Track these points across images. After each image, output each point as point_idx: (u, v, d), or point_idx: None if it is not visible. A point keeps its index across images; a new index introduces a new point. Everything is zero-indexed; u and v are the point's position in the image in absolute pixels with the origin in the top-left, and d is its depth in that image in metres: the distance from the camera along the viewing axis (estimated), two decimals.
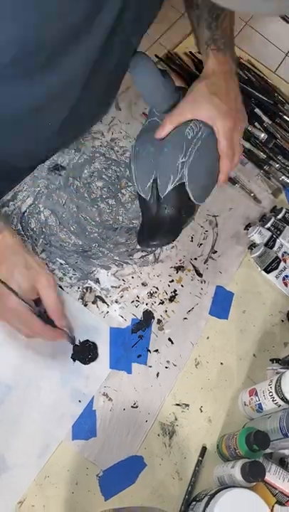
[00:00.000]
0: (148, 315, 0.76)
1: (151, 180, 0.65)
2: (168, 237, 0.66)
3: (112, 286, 0.75)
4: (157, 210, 0.66)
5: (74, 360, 0.68)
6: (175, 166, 0.63)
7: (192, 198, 0.65)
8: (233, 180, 0.95)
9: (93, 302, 0.73)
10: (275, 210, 0.95)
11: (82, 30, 0.55)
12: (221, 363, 0.77)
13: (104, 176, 0.83)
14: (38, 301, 0.62)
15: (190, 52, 1.07)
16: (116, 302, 0.75)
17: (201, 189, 0.67)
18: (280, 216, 0.92)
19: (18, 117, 0.62)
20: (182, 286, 0.80)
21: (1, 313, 0.62)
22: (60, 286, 0.72)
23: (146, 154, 0.66)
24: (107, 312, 0.73)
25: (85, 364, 0.68)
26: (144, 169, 0.66)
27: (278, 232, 0.90)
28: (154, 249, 0.79)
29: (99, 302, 0.74)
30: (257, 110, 1.04)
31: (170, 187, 0.63)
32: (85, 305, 0.72)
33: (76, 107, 0.66)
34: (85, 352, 0.69)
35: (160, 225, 0.66)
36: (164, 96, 0.69)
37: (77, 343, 0.69)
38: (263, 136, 1.00)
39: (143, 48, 0.72)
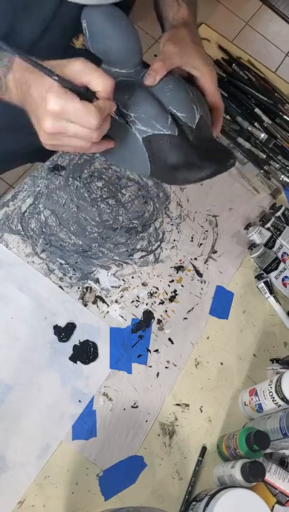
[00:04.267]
0: (148, 315, 0.76)
1: (171, 116, 0.58)
2: (231, 154, 0.59)
3: (112, 286, 0.75)
4: (198, 140, 0.58)
5: (74, 360, 0.68)
6: (190, 97, 0.58)
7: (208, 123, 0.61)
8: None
9: (93, 302, 0.73)
10: (274, 207, 0.95)
11: (32, 8, 0.54)
12: (221, 363, 0.77)
13: (104, 176, 0.83)
14: None
15: None
16: (116, 302, 0.75)
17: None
18: (279, 213, 0.92)
19: None
20: (182, 286, 0.80)
21: (49, 130, 0.48)
22: (60, 287, 0.72)
23: (140, 97, 0.58)
24: (107, 312, 0.73)
25: (85, 364, 0.68)
26: (150, 107, 0.58)
27: (278, 233, 0.90)
28: (210, 177, 0.61)
29: (99, 302, 0.74)
30: (257, 110, 1.04)
31: (197, 116, 0.58)
32: (85, 305, 0.72)
33: None
34: (85, 352, 0.69)
35: (215, 147, 0.59)
36: (131, 38, 0.58)
37: (77, 343, 0.69)
38: (263, 136, 1.00)
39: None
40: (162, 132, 0.57)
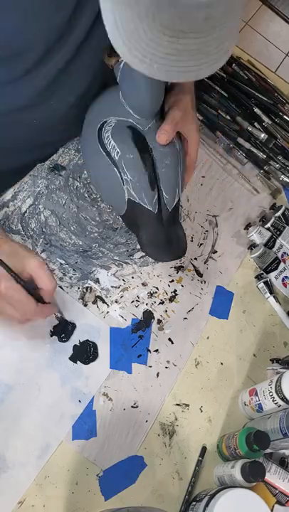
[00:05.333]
0: (148, 315, 0.76)
1: (158, 194, 0.66)
2: (185, 247, 0.70)
3: (112, 286, 0.75)
4: (168, 224, 0.67)
5: (74, 360, 0.68)
6: (177, 179, 0.67)
7: (181, 204, 0.69)
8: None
9: (93, 302, 0.73)
10: (274, 207, 0.95)
11: (65, 31, 0.57)
12: (221, 363, 0.77)
13: None
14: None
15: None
16: (116, 302, 0.75)
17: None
18: (279, 213, 0.92)
19: (3, 117, 0.65)
20: (182, 286, 0.80)
21: None
22: (60, 287, 0.72)
23: (141, 165, 0.65)
24: (107, 312, 0.73)
25: (85, 364, 0.68)
26: (145, 181, 0.65)
27: (278, 233, 0.90)
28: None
29: (99, 302, 0.74)
30: (257, 110, 1.04)
31: (176, 200, 0.67)
32: (85, 305, 0.72)
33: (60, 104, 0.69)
34: (85, 352, 0.69)
35: (178, 238, 0.69)
36: (157, 98, 0.64)
37: (77, 343, 0.69)
38: (263, 136, 1.00)
39: None
40: (145, 206, 0.66)
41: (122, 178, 0.66)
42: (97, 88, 0.74)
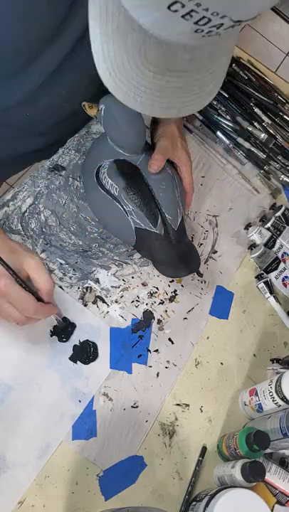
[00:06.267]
0: (148, 315, 0.76)
1: (160, 216, 0.71)
2: (199, 260, 0.74)
3: (112, 286, 0.75)
4: (177, 242, 0.72)
5: (74, 360, 0.68)
6: (176, 200, 0.72)
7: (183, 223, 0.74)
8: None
9: (93, 302, 0.73)
10: (274, 207, 0.95)
11: (56, 32, 0.58)
12: (221, 363, 0.77)
13: None
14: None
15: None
16: (116, 302, 0.75)
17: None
18: (279, 213, 0.92)
19: None
20: (182, 286, 0.80)
21: None
22: (60, 287, 0.72)
23: (140, 193, 0.71)
24: (107, 312, 0.73)
25: (85, 364, 0.68)
26: (146, 207, 0.71)
27: (278, 233, 0.90)
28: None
29: (99, 302, 0.74)
30: (257, 110, 1.04)
31: (179, 219, 0.72)
32: (85, 305, 0.72)
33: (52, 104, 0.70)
34: (85, 352, 0.69)
35: (191, 252, 0.73)
36: (139, 133, 0.69)
37: (77, 343, 0.69)
38: (263, 136, 1.00)
39: None
40: (152, 230, 0.70)
41: (125, 211, 0.71)
42: (89, 80, 0.74)
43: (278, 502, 0.66)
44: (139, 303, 0.76)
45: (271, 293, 0.85)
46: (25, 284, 0.57)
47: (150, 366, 0.72)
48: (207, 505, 0.58)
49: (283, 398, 0.65)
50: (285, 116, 1.06)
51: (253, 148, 0.99)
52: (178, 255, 0.71)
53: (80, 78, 0.70)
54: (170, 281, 0.80)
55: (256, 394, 0.70)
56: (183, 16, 0.28)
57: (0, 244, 0.59)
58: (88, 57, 0.67)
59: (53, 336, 0.68)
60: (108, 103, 0.67)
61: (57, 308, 0.65)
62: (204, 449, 0.70)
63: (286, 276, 0.87)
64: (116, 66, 0.37)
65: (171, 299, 0.78)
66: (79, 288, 0.73)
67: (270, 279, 0.86)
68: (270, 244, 0.88)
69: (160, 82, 0.37)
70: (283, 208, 0.93)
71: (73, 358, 0.68)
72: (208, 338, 0.78)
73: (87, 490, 0.63)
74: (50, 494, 0.61)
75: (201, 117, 0.99)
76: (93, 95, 0.75)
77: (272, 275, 0.87)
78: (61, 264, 0.74)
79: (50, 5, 0.54)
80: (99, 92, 0.81)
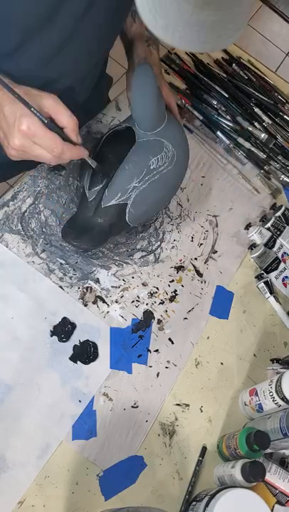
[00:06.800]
0: (148, 315, 0.76)
1: (101, 186, 0.69)
2: (91, 244, 0.70)
3: (112, 286, 0.75)
4: (93, 215, 0.69)
5: (74, 360, 0.68)
6: (127, 186, 0.67)
7: (126, 219, 0.69)
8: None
9: (93, 302, 0.73)
10: (274, 207, 0.95)
11: (54, 12, 0.57)
12: (221, 363, 0.77)
13: None
14: None
15: (190, 52, 1.07)
16: (116, 302, 0.75)
17: (139, 215, 0.70)
18: (279, 213, 0.92)
19: None
20: (182, 286, 0.80)
21: (16, 146, 0.56)
22: (61, 287, 0.72)
23: (108, 162, 0.69)
24: (108, 312, 0.73)
25: (85, 364, 0.68)
26: (98, 174, 0.69)
27: (278, 233, 0.90)
28: (71, 246, 0.76)
29: (99, 302, 0.74)
30: (257, 110, 1.04)
31: (113, 202, 0.67)
32: (85, 305, 0.72)
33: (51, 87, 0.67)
34: (86, 352, 0.69)
35: (89, 230, 0.69)
36: (157, 113, 0.68)
37: (77, 343, 0.69)
38: (263, 136, 1.00)
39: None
40: (85, 190, 0.69)
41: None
42: (94, 71, 0.73)
43: (278, 502, 0.66)
44: (139, 303, 0.76)
45: (271, 293, 0.85)
46: (49, 123, 0.55)
47: (150, 366, 0.72)
48: (207, 505, 0.58)
49: (283, 398, 0.65)
50: (285, 116, 1.06)
51: (253, 148, 0.99)
52: (81, 224, 0.69)
53: (82, 65, 0.69)
54: (170, 282, 0.80)
55: (256, 394, 0.70)
56: None
57: (23, 88, 0.56)
58: (91, 39, 0.66)
59: (53, 336, 0.68)
60: (144, 70, 0.64)
61: (87, 152, 0.62)
62: (204, 449, 0.70)
63: (286, 276, 0.87)
64: (156, 2, 0.37)
65: (171, 299, 0.78)
66: (79, 288, 0.73)
67: (270, 279, 0.86)
68: (270, 244, 0.88)
69: (198, 17, 0.37)
70: (283, 208, 0.93)
71: (73, 358, 0.68)
72: (208, 338, 0.78)
73: (87, 490, 0.63)
74: (50, 494, 0.61)
75: (201, 117, 0.99)
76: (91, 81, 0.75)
77: (272, 275, 0.87)
78: (61, 264, 0.74)
79: None
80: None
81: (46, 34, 0.59)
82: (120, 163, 0.67)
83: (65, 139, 0.57)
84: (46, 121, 0.54)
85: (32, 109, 0.53)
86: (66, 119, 0.56)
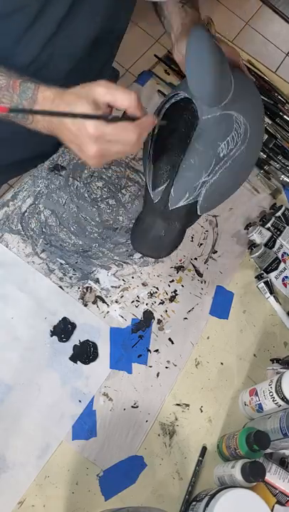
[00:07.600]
0: (148, 315, 0.76)
1: (165, 185, 0.62)
2: (167, 253, 0.66)
3: (112, 286, 0.75)
4: (162, 221, 0.63)
5: (74, 360, 0.68)
6: (195, 184, 0.59)
7: (198, 212, 0.63)
8: None
9: (93, 302, 0.73)
10: (274, 207, 0.95)
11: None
12: (221, 363, 0.77)
13: (104, 176, 0.83)
14: None
15: None
16: (116, 302, 0.75)
17: (212, 206, 0.65)
18: (279, 213, 0.92)
19: None
20: (182, 286, 0.80)
21: (94, 152, 0.53)
22: (61, 287, 0.72)
23: (169, 152, 0.61)
24: (107, 312, 0.73)
25: (85, 364, 0.68)
26: (162, 169, 0.62)
27: (278, 233, 0.90)
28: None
29: (99, 302, 0.74)
30: None
31: (181, 203, 0.60)
32: (85, 305, 0.72)
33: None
34: (85, 352, 0.69)
35: (161, 238, 0.64)
36: (222, 84, 0.57)
37: (77, 343, 0.69)
38: None
39: (143, 48, 0.71)
40: (149, 191, 0.63)
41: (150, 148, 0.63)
42: (93, 56, 0.71)
43: (278, 502, 0.66)
44: (139, 303, 0.76)
45: (271, 293, 0.85)
46: (110, 117, 0.52)
47: (150, 366, 0.72)
48: (207, 505, 0.58)
49: (283, 398, 0.65)
50: (285, 116, 1.06)
51: None
52: (147, 231, 0.64)
53: (82, 48, 0.68)
54: (170, 282, 0.80)
55: (256, 394, 0.70)
56: None
57: (67, 96, 0.54)
58: (89, 23, 0.65)
59: (53, 336, 0.68)
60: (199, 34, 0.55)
61: (154, 116, 0.57)
62: (204, 449, 0.70)
63: (286, 276, 0.87)
64: None
65: (171, 299, 0.78)
66: (79, 288, 0.73)
67: (270, 279, 0.86)
68: (270, 244, 0.88)
69: None
70: (283, 208, 0.93)
71: (73, 358, 0.68)
72: (208, 338, 0.78)
73: (87, 490, 0.63)
74: (50, 494, 0.61)
75: None
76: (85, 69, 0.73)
77: (272, 275, 0.87)
78: (61, 264, 0.74)
79: None
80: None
81: (50, 12, 0.58)
82: (183, 147, 0.59)
83: (132, 118, 0.53)
84: (105, 117, 0.51)
85: (89, 116, 0.50)
86: (124, 99, 0.52)
